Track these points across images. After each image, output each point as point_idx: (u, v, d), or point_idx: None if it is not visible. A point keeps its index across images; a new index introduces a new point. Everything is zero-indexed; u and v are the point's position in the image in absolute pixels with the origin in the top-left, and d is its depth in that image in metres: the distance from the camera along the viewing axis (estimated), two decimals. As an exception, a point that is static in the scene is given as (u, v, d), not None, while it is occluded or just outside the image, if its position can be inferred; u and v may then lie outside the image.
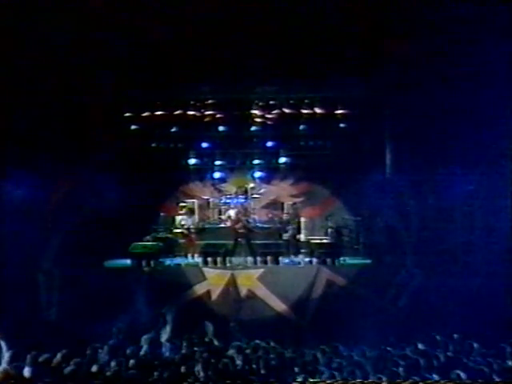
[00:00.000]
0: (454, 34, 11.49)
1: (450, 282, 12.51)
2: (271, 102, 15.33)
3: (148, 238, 14.79)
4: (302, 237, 15.41)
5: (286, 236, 14.78)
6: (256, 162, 16.76)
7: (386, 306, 12.91)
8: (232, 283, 13.43)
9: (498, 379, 7.60)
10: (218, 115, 15.56)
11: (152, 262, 13.83)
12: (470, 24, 11.21)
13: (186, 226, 14.96)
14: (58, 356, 8.29)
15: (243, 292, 13.39)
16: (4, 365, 8.11)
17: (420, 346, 9.36)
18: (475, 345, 8.91)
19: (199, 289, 13.48)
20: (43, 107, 12.63)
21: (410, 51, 12.09)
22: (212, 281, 13.54)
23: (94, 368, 8.06)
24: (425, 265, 13.07)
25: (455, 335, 9.83)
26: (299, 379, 7.86)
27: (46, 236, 13.08)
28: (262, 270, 13.67)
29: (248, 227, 14.66)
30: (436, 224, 13.38)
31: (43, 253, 13.04)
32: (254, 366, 8.52)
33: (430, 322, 11.67)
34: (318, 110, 15.23)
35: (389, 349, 9.35)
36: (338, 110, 15.19)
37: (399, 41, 11.94)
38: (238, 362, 8.72)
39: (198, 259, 14.41)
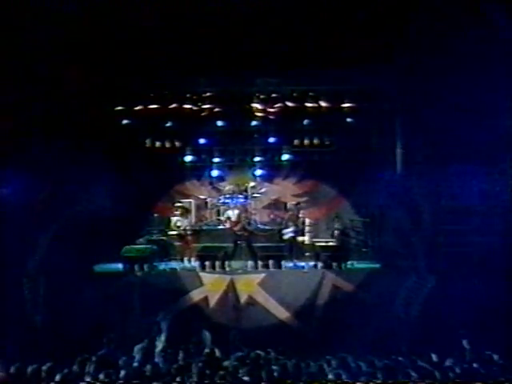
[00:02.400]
0: (464, 23, 11.47)
1: (465, 288, 12.43)
2: (273, 95, 15.25)
3: (141, 240, 14.77)
4: (307, 239, 15.36)
5: (285, 236, 14.72)
6: (257, 159, 16.68)
7: (397, 313, 12.85)
8: (231, 289, 13.40)
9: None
10: (216, 109, 15.48)
11: (145, 267, 13.79)
12: (481, 15, 11.22)
13: (181, 228, 14.91)
14: (44, 368, 8.25)
15: (243, 298, 13.36)
16: None
17: (434, 356, 9.32)
18: (495, 356, 8.85)
19: (196, 295, 13.45)
20: (26, 101, 12.58)
21: (421, 41, 12.05)
22: (210, 286, 13.51)
23: (83, 380, 8.01)
24: (438, 269, 13.01)
25: (470, 345, 9.80)
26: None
27: (31, 238, 13.03)
28: (263, 274, 13.64)
29: (248, 229, 14.61)
30: (451, 225, 13.32)
31: (28, 256, 12.99)
32: (254, 377, 8.47)
33: (443, 330, 11.64)
34: (323, 104, 15.16)
35: (400, 359, 9.32)
36: (345, 103, 15.11)
37: (410, 29, 11.91)
38: (238, 373, 8.68)
39: (194, 263, 14.37)
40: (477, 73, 12.02)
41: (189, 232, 14.97)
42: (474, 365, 8.77)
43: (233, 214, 15.42)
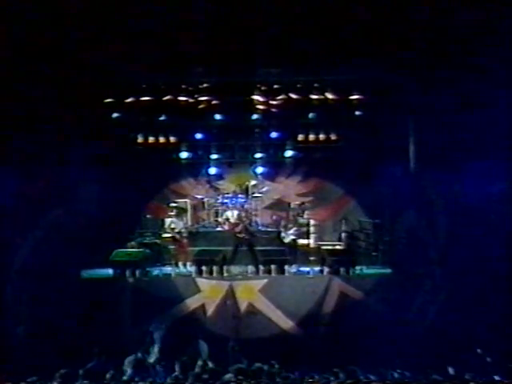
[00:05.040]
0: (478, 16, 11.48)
1: (484, 296, 12.41)
2: (275, 86, 15.21)
3: (133, 243, 14.73)
4: (312, 242, 15.34)
5: (286, 239, 14.70)
6: (258, 155, 16.68)
7: (409, 322, 12.82)
8: (230, 296, 13.40)
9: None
10: (214, 101, 15.45)
11: (137, 272, 13.76)
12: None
13: (176, 230, 14.87)
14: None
15: (243, 306, 13.36)
16: None
17: (450, 369, 9.30)
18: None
19: (192, 303, 13.45)
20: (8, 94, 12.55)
21: (435, 28, 12.03)
22: (207, 293, 13.52)
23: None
24: (454, 275, 12.97)
25: (488, 358, 9.79)
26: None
27: (14, 242, 13.00)
28: (264, 280, 13.62)
29: (250, 231, 14.57)
30: (468, 227, 13.25)
31: (10, 261, 12.96)
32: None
33: (460, 341, 11.61)
34: (329, 96, 15.12)
35: (413, 372, 9.30)
36: (353, 95, 15.07)
37: (423, 15, 11.88)
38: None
39: (190, 268, 14.33)
40: (494, 65, 12.01)
41: (184, 234, 14.92)
42: (496, 378, 8.75)
43: (232, 215, 15.40)
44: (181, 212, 15.58)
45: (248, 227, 14.71)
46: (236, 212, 15.48)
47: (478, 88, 12.44)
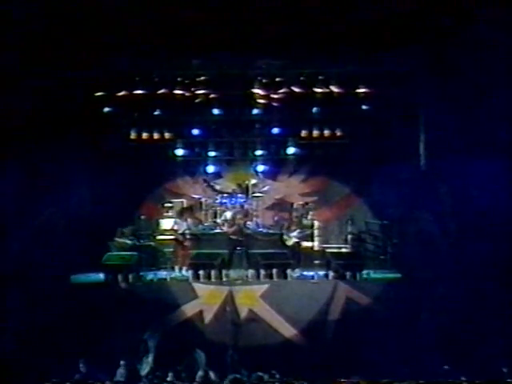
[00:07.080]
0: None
1: (498, 302, 12.40)
2: (277, 79, 15.19)
3: (125, 230, 14.71)
4: (316, 245, 15.32)
5: (289, 242, 14.68)
6: (259, 152, 16.65)
7: (419, 330, 12.82)
8: (229, 302, 13.40)
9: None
10: (212, 95, 15.44)
11: (130, 277, 13.76)
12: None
13: (180, 232, 14.83)
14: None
15: (243, 313, 13.35)
16: None
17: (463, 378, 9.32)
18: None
19: (189, 309, 13.46)
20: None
21: (443, 19, 12.04)
22: (205, 299, 13.53)
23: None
24: (467, 280, 12.96)
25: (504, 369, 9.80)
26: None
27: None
28: (266, 285, 13.62)
29: (246, 233, 14.54)
30: (481, 229, 13.25)
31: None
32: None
33: (473, 350, 11.60)
34: (334, 89, 15.10)
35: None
36: (359, 88, 15.05)
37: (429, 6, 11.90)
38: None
39: (187, 272, 14.32)
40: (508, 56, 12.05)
41: (188, 236, 14.86)
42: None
43: (230, 215, 15.37)
44: (184, 212, 15.56)
45: (243, 229, 14.66)
46: (229, 212, 15.46)
47: (490, 83, 12.44)
